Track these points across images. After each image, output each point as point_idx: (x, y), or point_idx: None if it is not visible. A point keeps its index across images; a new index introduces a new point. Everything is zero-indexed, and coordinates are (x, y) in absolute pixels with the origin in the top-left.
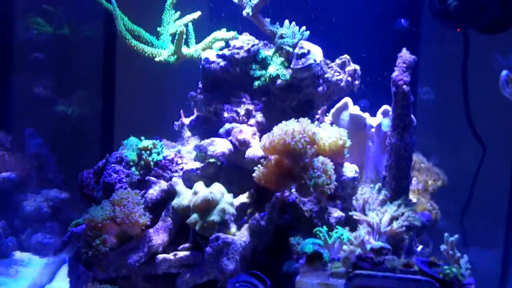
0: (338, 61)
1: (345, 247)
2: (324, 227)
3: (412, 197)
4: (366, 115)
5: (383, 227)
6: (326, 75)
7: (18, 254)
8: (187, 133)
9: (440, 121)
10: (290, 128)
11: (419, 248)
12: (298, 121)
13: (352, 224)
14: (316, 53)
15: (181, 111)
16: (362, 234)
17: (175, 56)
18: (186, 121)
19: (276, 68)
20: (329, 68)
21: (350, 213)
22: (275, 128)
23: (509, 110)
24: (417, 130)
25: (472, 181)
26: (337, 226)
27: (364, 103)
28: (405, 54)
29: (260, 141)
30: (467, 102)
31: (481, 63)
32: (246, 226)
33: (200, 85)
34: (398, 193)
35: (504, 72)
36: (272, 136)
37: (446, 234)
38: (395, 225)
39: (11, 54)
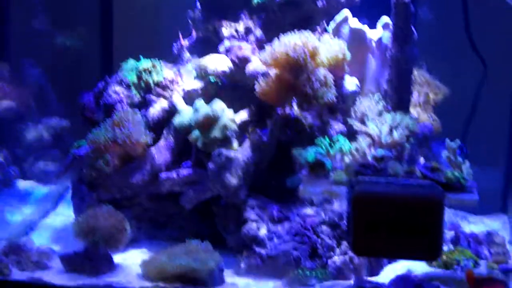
0: None
1: (346, 159)
2: (326, 138)
3: (413, 111)
4: (366, 28)
5: (384, 138)
6: None
7: (21, 183)
8: (186, 55)
9: (439, 40)
10: (292, 42)
11: (421, 160)
12: (299, 33)
13: (354, 137)
14: None
15: (179, 32)
16: (363, 146)
17: None
18: (185, 42)
19: None
20: None
21: (349, 121)
22: (275, 42)
23: (509, 25)
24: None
25: (473, 99)
26: (338, 135)
27: (364, 21)
28: None
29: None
30: (467, 13)
31: None
32: (248, 142)
33: (198, 4)
34: (399, 107)
35: None
36: (274, 50)
37: (447, 140)
38: (396, 134)
39: None
